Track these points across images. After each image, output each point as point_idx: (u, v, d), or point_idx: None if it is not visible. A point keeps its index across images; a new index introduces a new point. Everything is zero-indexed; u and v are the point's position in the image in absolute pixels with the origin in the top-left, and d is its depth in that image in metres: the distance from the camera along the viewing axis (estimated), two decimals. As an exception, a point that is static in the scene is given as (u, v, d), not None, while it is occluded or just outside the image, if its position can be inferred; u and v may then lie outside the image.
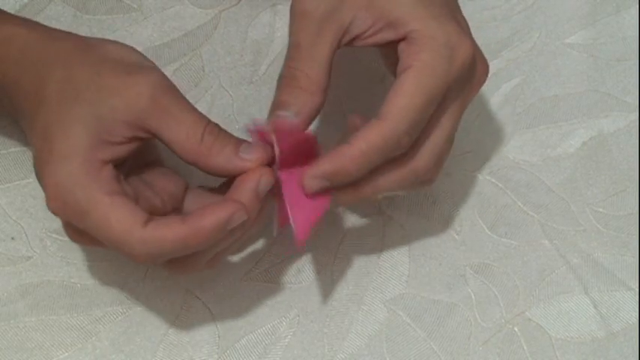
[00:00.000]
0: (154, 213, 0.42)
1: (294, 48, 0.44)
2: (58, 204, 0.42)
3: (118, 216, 0.41)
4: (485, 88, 0.57)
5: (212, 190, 0.46)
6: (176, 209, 0.45)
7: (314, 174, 0.43)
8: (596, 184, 0.55)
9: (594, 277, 0.53)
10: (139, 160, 0.45)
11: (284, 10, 0.58)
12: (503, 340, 0.51)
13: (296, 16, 0.44)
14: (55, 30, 0.46)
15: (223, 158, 0.43)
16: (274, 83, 0.56)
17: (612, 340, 0.51)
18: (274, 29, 0.58)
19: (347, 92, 0.55)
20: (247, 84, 0.56)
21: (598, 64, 0.59)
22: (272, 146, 0.43)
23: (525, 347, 0.51)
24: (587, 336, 0.51)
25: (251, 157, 0.43)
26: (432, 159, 0.45)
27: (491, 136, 0.56)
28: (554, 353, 0.51)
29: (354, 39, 0.45)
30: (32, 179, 0.52)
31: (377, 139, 0.42)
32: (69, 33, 0.46)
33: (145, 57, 0.45)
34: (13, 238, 0.51)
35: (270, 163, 0.43)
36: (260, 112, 0.55)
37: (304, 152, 0.44)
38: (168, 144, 0.43)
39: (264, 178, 0.43)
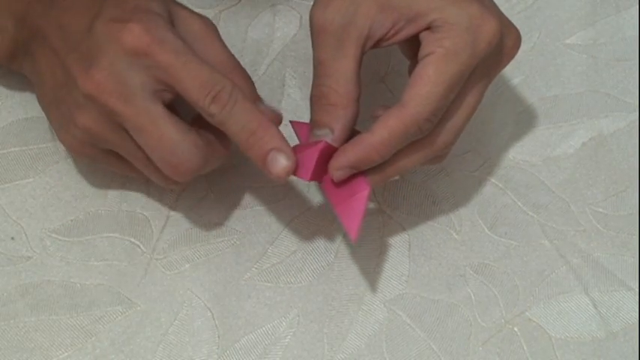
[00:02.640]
0: None
1: (318, 65, 0.45)
2: (108, 85, 0.42)
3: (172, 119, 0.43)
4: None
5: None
6: None
7: (340, 165, 0.44)
8: (596, 184, 0.55)
9: (594, 277, 0.53)
10: None
11: (284, 10, 0.58)
12: (503, 340, 0.51)
13: (314, 32, 0.45)
14: None
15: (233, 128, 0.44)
16: (274, 83, 0.56)
17: (612, 340, 0.51)
18: (274, 29, 0.58)
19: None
20: (247, 84, 0.56)
21: (598, 65, 0.59)
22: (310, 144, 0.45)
23: (525, 347, 0.51)
24: (587, 336, 0.51)
25: (264, 108, 0.45)
26: (453, 135, 0.46)
27: (491, 136, 0.56)
28: (554, 353, 0.51)
29: (377, 42, 0.45)
30: (32, 179, 0.52)
31: (398, 127, 0.43)
32: None
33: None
34: (13, 238, 0.51)
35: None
36: (260, 112, 0.55)
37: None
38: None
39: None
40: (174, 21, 0.45)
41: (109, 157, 0.46)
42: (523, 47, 0.59)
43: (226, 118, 0.43)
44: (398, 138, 0.43)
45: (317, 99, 0.45)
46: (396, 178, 0.54)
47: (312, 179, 0.45)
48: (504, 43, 0.45)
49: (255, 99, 0.45)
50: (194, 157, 0.43)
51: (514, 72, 0.58)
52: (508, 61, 0.47)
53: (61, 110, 0.45)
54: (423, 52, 0.43)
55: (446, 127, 0.45)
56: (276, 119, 0.46)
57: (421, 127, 0.43)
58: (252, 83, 0.46)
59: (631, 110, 0.58)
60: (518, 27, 0.60)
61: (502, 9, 0.60)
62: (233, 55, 0.46)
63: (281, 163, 0.43)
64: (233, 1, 0.59)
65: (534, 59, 0.59)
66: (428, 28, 0.43)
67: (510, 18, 0.60)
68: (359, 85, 0.45)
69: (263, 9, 0.58)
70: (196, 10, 0.57)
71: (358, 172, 0.45)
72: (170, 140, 0.42)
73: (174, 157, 0.43)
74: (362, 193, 0.45)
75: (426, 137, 0.45)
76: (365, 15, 0.44)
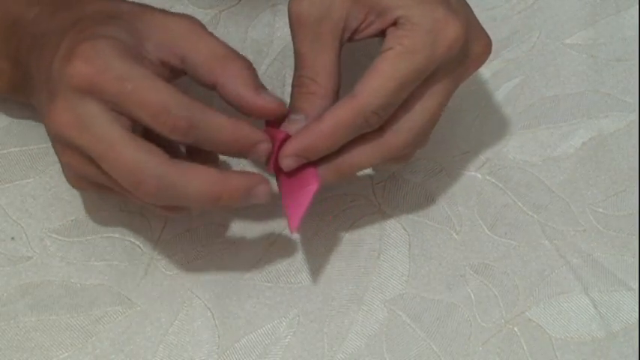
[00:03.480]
0: None
1: (298, 57, 0.45)
2: (64, 119, 0.41)
3: (135, 145, 0.41)
4: (486, 87, 0.58)
5: None
6: None
7: (288, 152, 0.44)
8: (596, 184, 0.55)
9: (594, 277, 0.53)
10: None
11: (284, 10, 0.58)
12: (503, 340, 0.51)
13: (292, 24, 0.45)
14: None
15: (243, 84, 0.44)
16: (274, 83, 0.56)
17: (612, 340, 0.51)
18: (274, 29, 0.58)
19: (347, 93, 0.56)
20: (247, 84, 0.56)
21: (598, 65, 0.59)
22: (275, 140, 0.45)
23: (525, 347, 0.51)
24: (587, 336, 0.51)
25: (268, 99, 0.44)
26: (412, 136, 0.46)
27: (491, 136, 0.56)
28: (554, 353, 0.51)
29: (352, 34, 0.45)
30: (32, 179, 0.52)
31: (346, 116, 0.43)
32: None
33: None
34: (13, 238, 0.51)
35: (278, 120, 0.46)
36: (260, 112, 0.55)
37: None
38: (194, 65, 0.43)
39: (262, 187, 0.43)
40: (150, 30, 0.43)
41: (103, 189, 0.45)
42: (523, 47, 0.59)
43: (194, 141, 0.42)
44: (345, 127, 0.43)
45: (297, 88, 0.46)
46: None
47: (273, 169, 0.46)
48: (471, 48, 0.46)
49: (257, 87, 0.44)
50: (156, 172, 0.41)
51: (514, 72, 0.58)
52: (476, 68, 0.47)
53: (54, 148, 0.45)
54: (383, 46, 0.44)
55: (401, 127, 0.45)
56: (279, 109, 0.45)
57: (368, 119, 0.43)
58: (252, 70, 0.45)
59: (631, 110, 0.58)
60: (518, 27, 0.60)
61: (502, 9, 0.60)
62: (226, 45, 0.45)
63: (262, 151, 0.44)
64: (233, 1, 0.59)
65: (534, 59, 0.59)
66: (394, 24, 0.44)
67: (510, 18, 0.60)
68: (339, 77, 0.45)
69: (263, 9, 0.58)
70: (197, 10, 0.58)
71: (311, 166, 0.45)
72: (128, 160, 0.41)
73: (134, 176, 0.41)
74: (310, 186, 0.45)
75: (378, 134, 0.45)
76: (340, 7, 0.44)
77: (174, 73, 0.44)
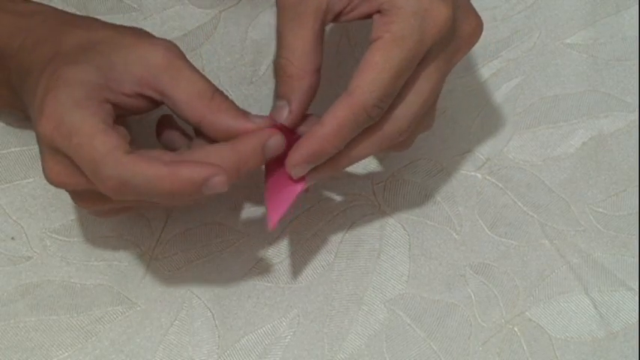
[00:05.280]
0: None
1: (278, 37, 0.45)
2: (51, 124, 0.41)
3: (104, 138, 0.41)
4: (486, 87, 0.58)
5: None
6: None
7: (295, 162, 0.44)
8: (596, 184, 0.55)
9: (594, 277, 0.53)
10: None
11: (284, 10, 0.58)
12: (503, 340, 0.51)
13: (277, 4, 0.45)
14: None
15: (231, 116, 0.43)
16: (274, 83, 0.56)
17: (612, 340, 0.51)
18: (274, 29, 0.58)
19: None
20: (247, 84, 0.56)
21: (598, 64, 0.59)
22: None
23: (525, 347, 0.51)
24: (587, 336, 0.51)
25: (258, 121, 0.44)
26: (407, 122, 0.45)
27: (492, 136, 0.56)
28: (554, 353, 0.51)
29: (337, 16, 0.44)
30: (32, 179, 0.52)
31: (347, 116, 0.43)
32: None
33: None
34: (13, 238, 0.51)
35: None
36: (260, 112, 0.55)
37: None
38: (176, 103, 0.43)
39: (274, 138, 0.44)
40: (127, 63, 0.43)
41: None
42: (523, 47, 0.59)
43: (135, 198, 0.42)
44: (348, 127, 0.43)
45: (276, 70, 0.45)
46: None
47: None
48: (461, 29, 0.45)
49: (244, 114, 0.44)
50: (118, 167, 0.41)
51: (514, 72, 0.58)
52: (468, 49, 0.46)
53: None
54: (371, 36, 0.43)
55: (397, 114, 0.45)
56: (271, 125, 0.45)
57: (369, 113, 0.43)
58: (232, 106, 0.44)
59: (631, 110, 0.58)
60: (518, 27, 0.60)
61: (502, 9, 0.60)
62: (207, 80, 0.44)
63: (217, 185, 0.42)
64: (233, 1, 0.59)
65: (534, 59, 0.59)
66: (379, 10, 0.43)
67: (510, 18, 0.60)
68: (318, 57, 0.44)
69: (263, 9, 0.58)
70: (197, 10, 0.58)
71: None
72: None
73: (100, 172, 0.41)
74: (295, 186, 0.45)
75: (375, 124, 0.44)
76: None
77: (154, 103, 0.44)
